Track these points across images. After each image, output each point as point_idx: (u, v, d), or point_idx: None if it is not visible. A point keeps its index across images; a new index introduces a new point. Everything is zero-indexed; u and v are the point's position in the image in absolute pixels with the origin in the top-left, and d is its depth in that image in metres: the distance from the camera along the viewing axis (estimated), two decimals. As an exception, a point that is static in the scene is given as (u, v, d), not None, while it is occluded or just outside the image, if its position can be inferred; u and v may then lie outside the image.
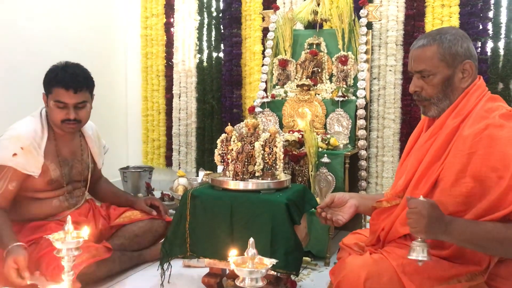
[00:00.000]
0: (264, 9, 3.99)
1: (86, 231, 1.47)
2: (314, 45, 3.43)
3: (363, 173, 3.10)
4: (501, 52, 3.39)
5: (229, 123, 2.25)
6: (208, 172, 3.44)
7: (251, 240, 1.20)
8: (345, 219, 1.64)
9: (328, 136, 2.92)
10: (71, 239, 1.44)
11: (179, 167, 4.60)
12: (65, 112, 2.09)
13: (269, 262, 1.20)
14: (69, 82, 2.06)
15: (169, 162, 4.70)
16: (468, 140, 1.32)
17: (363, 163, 3.07)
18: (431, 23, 3.56)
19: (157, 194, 3.94)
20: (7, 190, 2.00)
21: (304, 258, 2.47)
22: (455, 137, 1.37)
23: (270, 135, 2.06)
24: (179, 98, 4.58)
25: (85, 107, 2.16)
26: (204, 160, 4.47)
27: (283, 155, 2.04)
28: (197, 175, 3.87)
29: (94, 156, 2.39)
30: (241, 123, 2.28)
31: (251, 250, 1.19)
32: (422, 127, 1.59)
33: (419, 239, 1.25)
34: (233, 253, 1.22)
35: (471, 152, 1.30)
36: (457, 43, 1.43)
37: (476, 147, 1.30)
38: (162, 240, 2.15)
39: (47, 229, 2.05)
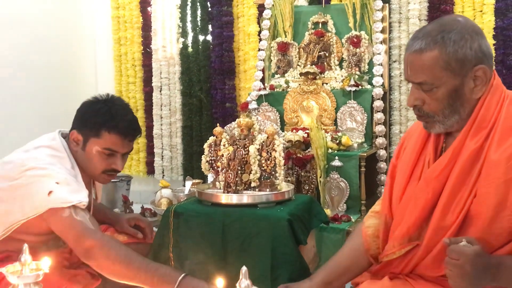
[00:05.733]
0: (258, -19, 3.99)
1: (46, 262, 1.47)
2: (320, 24, 3.42)
3: (383, 178, 3.10)
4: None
5: (220, 121, 2.25)
6: (196, 181, 3.43)
7: (244, 269, 1.20)
8: None
9: (339, 134, 2.92)
10: (29, 272, 1.44)
11: (163, 175, 4.61)
12: (111, 162, 2.02)
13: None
14: (128, 129, 2.01)
15: (150, 169, 4.70)
16: (501, 165, 1.28)
17: (382, 165, 3.07)
18: (462, -8, 3.56)
19: (136, 208, 3.94)
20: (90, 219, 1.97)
21: (313, 282, 2.47)
22: (480, 161, 1.32)
23: (268, 137, 2.06)
24: (160, 91, 4.58)
25: (128, 155, 2.16)
26: (193, 165, 4.47)
27: (284, 160, 2.05)
28: (185, 185, 3.88)
29: (98, 190, 2.39)
30: (233, 123, 2.28)
31: (244, 282, 1.19)
32: (424, 141, 1.49)
33: None
34: (220, 284, 1.22)
35: (508, 178, 1.27)
36: (465, 44, 1.32)
37: None
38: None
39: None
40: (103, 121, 1.99)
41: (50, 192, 1.88)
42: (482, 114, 1.35)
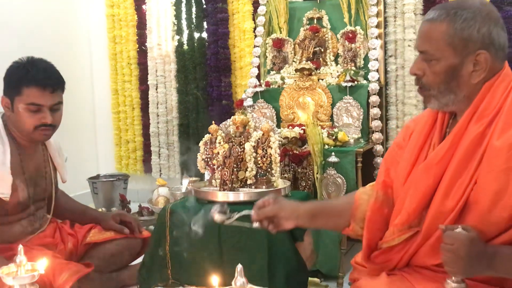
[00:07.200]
0: (252, -23, 3.99)
1: (43, 263, 1.47)
2: (315, 20, 3.42)
3: (380, 173, 3.10)
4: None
5: (217, 119, 2.25)
6: (194, 179, 3.43)
7: (239, 267, 1.21)
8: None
9: (336, 130, 2.92)
10: (24, 273, 1.44)
11: (160, 174, 4.61)
12: (39, 116, 2.09)
13: (263, 292, 1.20)
14: (44, 80, 2.07)
15: (147, 168, 4.70)
16: (502, 153, 1.27)
17: (379, 160, 3.07)
18: (457, -14, 3.55)
19: (134, 207, 3.94)
20: None
21: (311, 279, 2.47)
22: (482, 147, 1.32)
23: (263, 134, 2.07)
24: (156, 89, 4.58)
25: (60, 109, 2.19)
26: (190, 163, 4.46)
27: (280, 157, 2.05)
28: (182, 183, 3.88)
29: (59, 168, 2.40)
30: (228, 120, 2.28)
31: (240, 280, 1.19)
32: (432, 124, 1.49)
33: (455, 278, 1.24)
34: (215, 282, 1.22)
35: (508, 166, 1.25)
36: (473, 24, 1.33)
37: None
38: (141, 260, 2.17)
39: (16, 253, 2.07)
40: (21, 77, 2.06)
41: None
42: (488, 100, 1.34)
